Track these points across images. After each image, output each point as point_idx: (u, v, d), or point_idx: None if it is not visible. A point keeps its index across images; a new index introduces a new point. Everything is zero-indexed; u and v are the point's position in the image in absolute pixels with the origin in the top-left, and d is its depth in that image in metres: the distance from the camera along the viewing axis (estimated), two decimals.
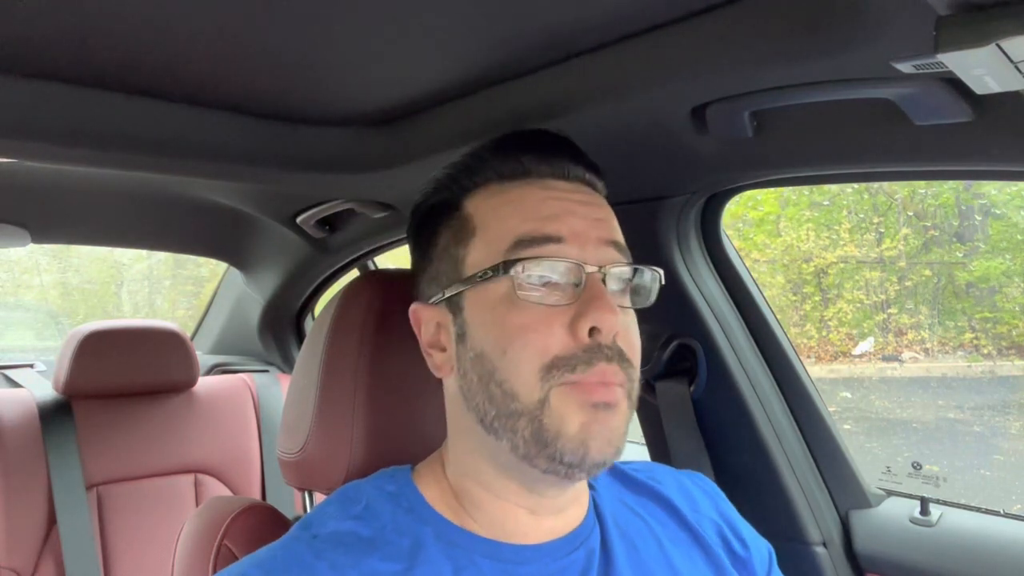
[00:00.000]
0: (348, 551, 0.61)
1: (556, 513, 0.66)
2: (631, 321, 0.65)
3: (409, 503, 0.66)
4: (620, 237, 0.67)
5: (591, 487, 0.73)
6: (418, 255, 0.72)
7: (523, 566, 0.63)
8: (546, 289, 0.61)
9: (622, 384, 0.61)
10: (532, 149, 0.68)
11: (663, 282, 0.69)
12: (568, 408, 0.59)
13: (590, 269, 0.62)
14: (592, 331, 0.60)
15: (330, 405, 0.76)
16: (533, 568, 0.63)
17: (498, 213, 0.65)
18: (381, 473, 0.71)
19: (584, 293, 0.61)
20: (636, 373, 0.63)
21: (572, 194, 0.66)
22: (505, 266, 0.61)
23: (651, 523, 0.72)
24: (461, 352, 0.64)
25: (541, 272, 0.61)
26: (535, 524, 0.65)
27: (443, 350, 0.67)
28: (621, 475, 0.77)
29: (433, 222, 0.70)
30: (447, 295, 0.66)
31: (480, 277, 0.63)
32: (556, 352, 0.59)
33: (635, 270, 0.67)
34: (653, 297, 0.68)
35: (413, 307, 0.70)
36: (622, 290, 0.66)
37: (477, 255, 0.65)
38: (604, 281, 0.62)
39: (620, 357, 0.61)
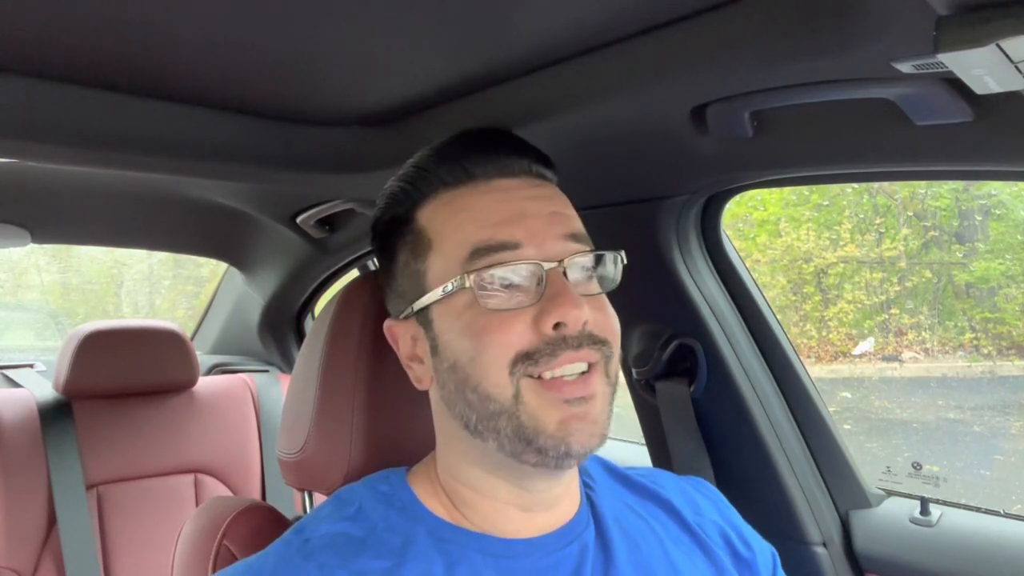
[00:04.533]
0: (338, 552, 0.62)
1: (548, 508, 0.67)
2: (602, 303, 0.66)
3: (402, 503, 0.67)
4: (578, 226, 0.67)
5: (588, 486, 0.73)
6: (383, 271, 0.73)
7: (515, 560, 0.63)
8: (508, 292, 0.62)
9: (595, 361, 0.62)
10: (474, 151, 0.67)
11: (625, 261, 0.69)
12: (542, 405, 0.60)
13: (549, 265, 0.62)
14: (558, 325, 0.60)
15: (330, 405, 0.76)
16: (526, 562, 0.63)
17: (451, 224, 0.65)
18: (376, 475, 0.71)
19: (547, 290, 0.61)
20: (611, 348, 0.64)
21: (522, 191, 0.66)
22: (464, 278, 0.62)
23: (653, 524, 0.72)
24: (437, 363, 0.65)
25: (501, 277, 0.62)
26: (527, 520, 0.66)
27: (421, 362, 0.68)
28: (623, 478, 0.77)
29: (391, 238, 0.70)
30: (415, 310, 0.66)
31: (443, 291, 0.64)
32: (520, 348, 0.60)
33: (597, 257, 0.67)
34: (619, 277, 0.69)
35: (387, 324, 0.71)
36: (587, 278, 0.66)
37: (436, 269, 0.65)
38: (566, 274, 0.62)
39: (590, 340, 0.62)
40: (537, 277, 0.62)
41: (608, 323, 0.64)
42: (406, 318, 0.68)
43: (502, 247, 0.62)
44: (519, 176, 0.68)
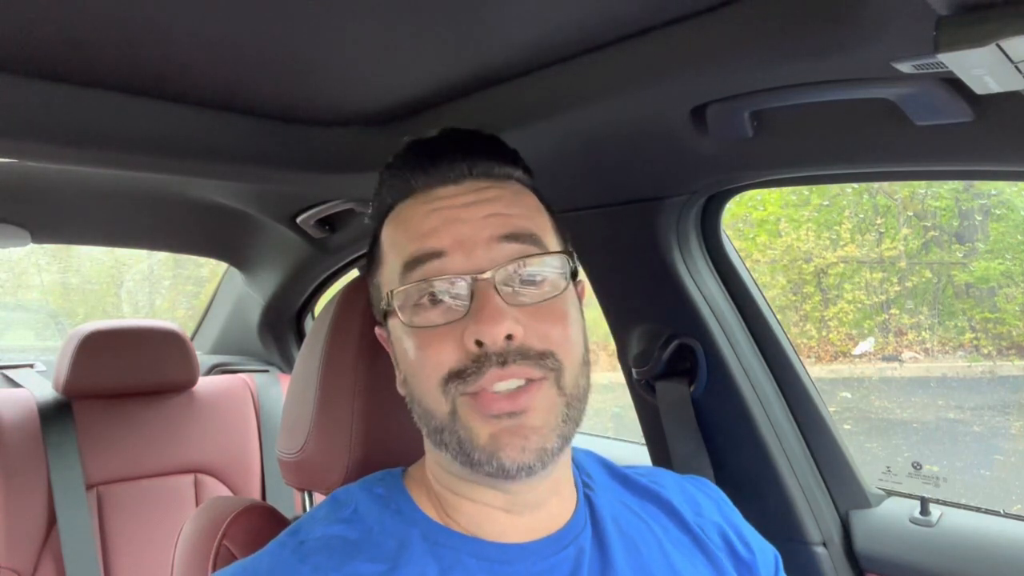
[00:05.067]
0: (333, 554, 0.62)
1: (533, 510, 0.66)
2: (544, 312, 0.61)
3: (397, 505, 0.67)
4: (523, 224, 0.64)
5: (588, 486, 0.72)
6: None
7: (509, 565, 0.63)
8: (438, 308, 0.61)
9: (537, 377, 0.60)
10: (413, 163, 0.67)
11: (574, 266, 0.66)
12: (473, 420, 0.60)
13: (484, 276, 0.60)
14: (480, 343, 0.59)
15: (329, 405, 0.76)
16: (520, 567, 0.63)
17: (393, 239, 0.66)
18: (372, 476, 0.71)
19: (474, 303, 0.60)
20: (557, 360, 0.61)
21: (458, 198, 0.64)
22: (391, 296, 0.63)
23: (652, 525, 0.72)
24: (399, 374, 0.67)
25: (428, 294, 0.61)
26: (512, 523, 0.65)
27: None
28: (623, 478, 0.77)
29: (368, 251, 0.72)
30: (381, 321, 0.68)
31: (385, 307, 0.65)
32: (450, 366, 0.60)
33: (544, 258, 0.63)
34: (567, 280, 0.64)
35: (377, 330, 0.72)
36: (530, 283, 0.62)
37: (384, 282, 0.67)
38: (496, 284, 0.60)
39: (520, 355, 0.59)
40: (468, 290, 0.60)
41: (552, 332, 0.61)
42: (381, 327, 0.70)
43: (429, 256, 0.62)
44: (460, 183, 0.66)
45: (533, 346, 0.60)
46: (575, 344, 0.63)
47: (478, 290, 0.60)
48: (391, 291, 0.63)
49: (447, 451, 0.62)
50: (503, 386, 0.59)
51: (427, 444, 0.67)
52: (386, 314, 0.66)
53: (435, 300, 0.61)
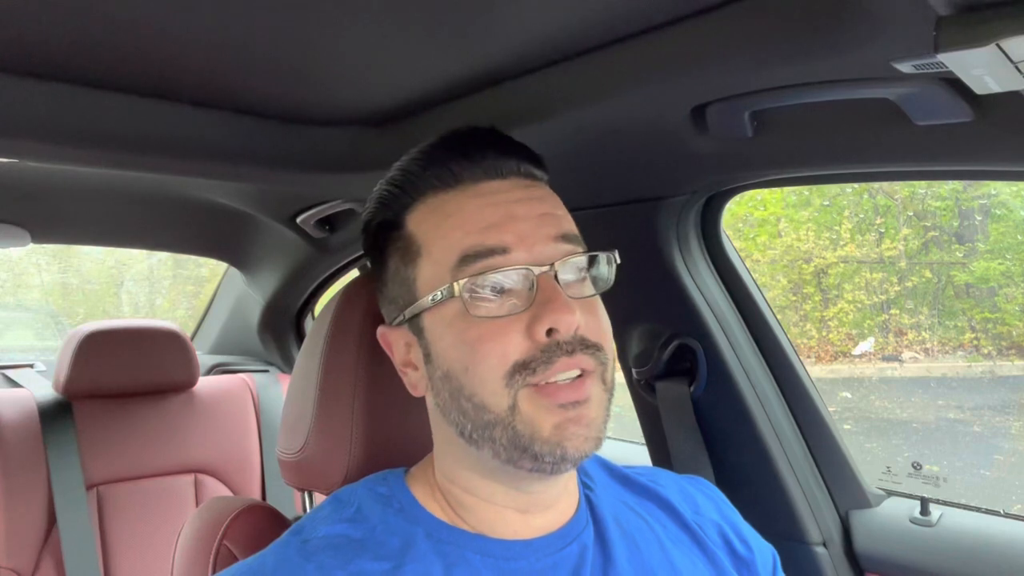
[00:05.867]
0: (337, 553, 0.62)
1: (545, 510, 0.66)
2: (595, 306, 0.64)
3: (400, 504, 0.67)
4: (569, 226, 0.65)
5: (587, 486, 0.73)
6: (375, 276, 0.72)
7: (513, 561, 0.63)
8: (499, 299, 0.61)
9: (591, 369, 0.61)
10: (459, 154, 0.66)
11: (618, 261, 0.67)
12: (538, 412, 0.59)
13: (540, 270, 0.61)
14: (550, 331, 0.59)
15: (330, 405, 0.76)
16: (524, 563, 0.63)
17: (439, 230, 0.64)
18: (374, 476, 0.71)
19: (538, 295, 0.60)
20: (606, 354, 0.63)
21: (510, 193, 0.64)
22: (453, 286, 0.61)
23: (652, 523, 0.72)
24: (431, 371, 0.65)
25: (491, 284, 0.61)
26: (525, 522, 0.66)
27: (416, 369, 0.67)
28: (622, 477, 0.77)
29: (381, 243, 0.69)
30: (407, 317, 0.66)
31: (432, 300, 0.63)
32: (515, 358, 0.59)
33: (591, 258, 0.65)
34: (612, 278, 0.67)
35: (380, 330, 0.70)
36: (580, 279, 0.64)
37: (426, 276, 0.64)
38: (557, 277, 0.61)
39: (582, 345, 0.60)
40: (529, 282, 0.61)
41: (600, 327, 0.63)
42: (399, 324, 0.67)
43: (491, 252, 0.61)
44: (507, 178, 0.66)
45: (590, 338, 0.61)
46: (612, 340, 0.65)
47: (542, 282, 0.60)
48: (453, 283, 0.61)
49: (491, 447, 0.61)
50: (566, 375, 0.60)
51: (451, 443, 0.66)
52: (418, 312, 0.64)
53: (497, 292, 0.61)
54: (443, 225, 0.64)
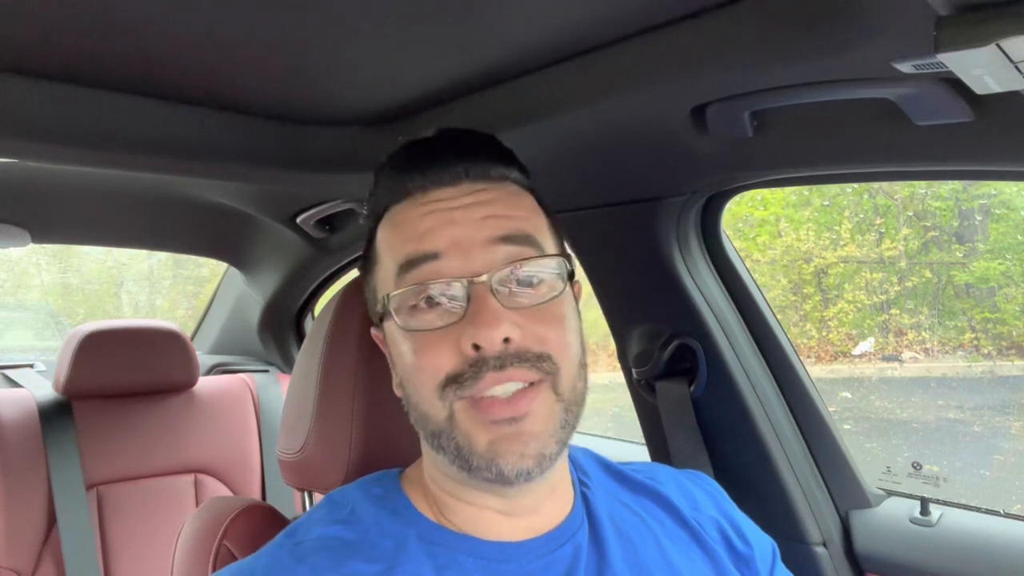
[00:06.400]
0: (330, 555, 0.62)
1: (531, 512, 0.66)
2: (543, 314, 0.61)
3: (394, 506, 0.67)
4: (517, 227, 0.63)
5: (584, 484, 0.72)
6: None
7: (505, 563, 0.63)
8: (436, 311, 0.60)
9: (536, 379, 0.59)
10: (410, 165, 0.66)
11: (571, 268, 0.65)
12: (473, 426, 0.59)
13: (480, 278, 0.59)
14: (477, 346, 0.58)
15: (329, 405, 0.76)
16: (515, 565, 0.63)
17: (387, 241, 0.66)
18: (370, 476, 0.72)
19: (471, 306, 0.59)
20: (555, 363, 0.60)
21: (455, 200, 0.63)
22: (387, 299, 0.62)
23: (649, 521, 0.72)
24: (396, 375, 0.67)
25: (425, 297, 0.60)
26: (510, 524, 0.65)
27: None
28: (619, 475, 0.77)
29: (364, 253, 0.72)
30: (377, 322, 0.68)
31: (381, 309, 0.64)
32: (447, 370, 0.59)
33: (546, 260, 0.62)
34: (564, 282, 0.63)
35: (372, 331, 0.72)
36: (529, 285, 0.61)
37: (380, 287, 0.66)
38: (493, 287, 0.59)
39: (517, 359, 0.58)
40: (466, 292, 0.60)
41: (549, 335, 0.60)
42: (378, 329, 0.70)
43: (424, 258, 0.61)
44: (456, 184, 0.65)
45: (530, 349, 0.59)
46: (572, 347, 0.62)
47: (474, 293, 0.59)
48: (387, 294, 0.63)
49: (445, 455, 0.61)
50: (501, 390, 0.58)
51: (424, 446, 0.67)
52: (382, 317, 0.66)
53: (431, 303, 0.60)
54: (391, 236, 0.66)
